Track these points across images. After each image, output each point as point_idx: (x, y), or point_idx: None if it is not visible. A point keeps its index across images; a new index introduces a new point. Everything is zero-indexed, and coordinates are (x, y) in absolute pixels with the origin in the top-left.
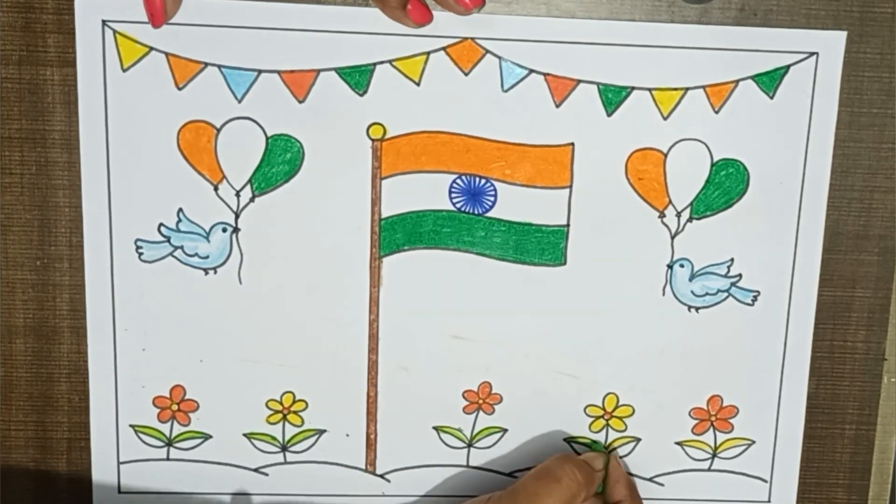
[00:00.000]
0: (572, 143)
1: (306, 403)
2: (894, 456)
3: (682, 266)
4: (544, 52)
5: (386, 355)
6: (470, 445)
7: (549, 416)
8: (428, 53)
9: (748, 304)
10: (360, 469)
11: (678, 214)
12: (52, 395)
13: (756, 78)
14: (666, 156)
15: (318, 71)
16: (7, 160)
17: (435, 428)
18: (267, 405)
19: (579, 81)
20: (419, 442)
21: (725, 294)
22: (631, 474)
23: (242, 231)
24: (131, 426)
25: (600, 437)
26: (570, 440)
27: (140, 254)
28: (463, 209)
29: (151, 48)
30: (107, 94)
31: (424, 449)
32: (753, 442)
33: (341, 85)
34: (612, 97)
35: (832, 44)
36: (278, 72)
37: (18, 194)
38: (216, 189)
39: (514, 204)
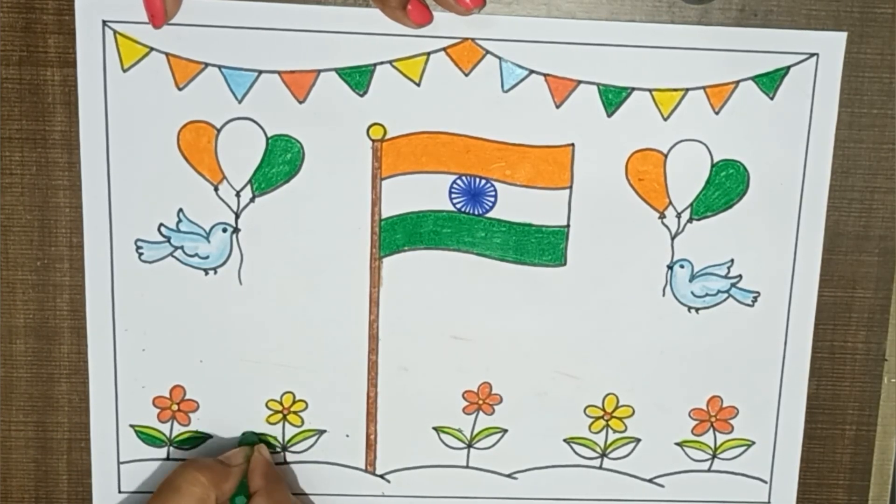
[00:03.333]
0: (572, 144)
1: (306, 404)
2: (895, 457)
3: (682, 267)
4: (544, 52)
5: (386, 355)
6: (470, 446)
7: (549, 416)
8: (428, 54)
9: (748, 305)
10: (360, 469)
11: (678, 215)
12: (52, 395)
13: (756, 79)
14: (666, 156)
15: (319, 71)
16: (7, 161)
17: (435, 428)
18: (267, 405)
19: (579, 82)
20: (419, 442)
21: (725, 295)
22: (630, 475)
23: (242, 231)
24: (131, 426)
25: (600, 438)
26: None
27: (140, 254)
28: (463, 210)
29: (152, 48)
30: (107, 94)
31: (424, 449)
32: (753, 443)
33: (341, 85)
34: (613, 98)
35: (832, 45)
36: (278, 72)
37: (19, 195)
38: (216, 189)
39: (514, 204)
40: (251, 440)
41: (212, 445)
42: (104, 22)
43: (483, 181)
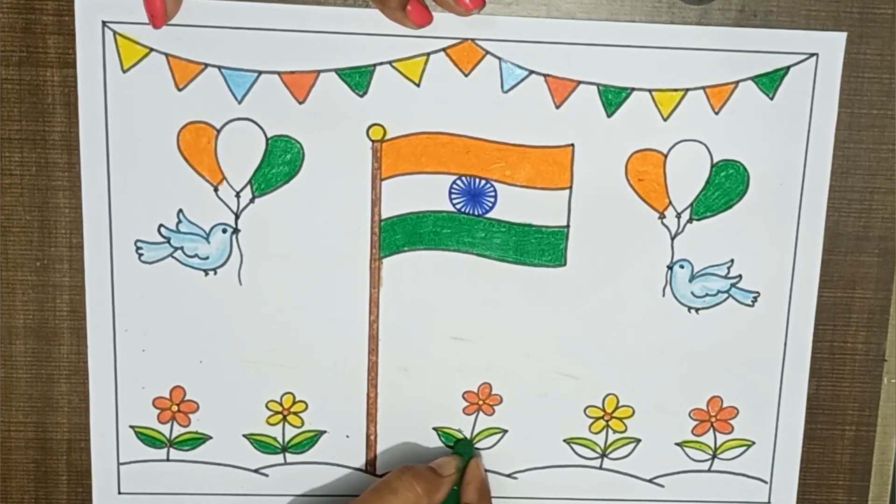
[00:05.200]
0: (572, 144)
1: (306, 404)
2: (894, 457)
3: (682, 267)
4: (544, 52)
5: (386, 356)
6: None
7: (549, 416)
8: (428, 54)
9: (748, 305)
10: (360, 470)
11: (678, 215)
12: (52, 395)
13: (756, 79)
14: (666, 157)
15: (319, 72)
16: (7, 161)
17: (435, 429)
18: (267, 406)
19: (579, 82)
20: (419, 443)
21: (725, 295)
22: (630, 475)
23: (242, 232)
24: (131, 427)
25: (600, 438)
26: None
27: (140, 255)
28: (463, 210)
29: (152, 49)
30: (107, 95)
31: (424, 450)
32: (753, 443)
33: (341, 86)
34: (612, 98)
35: (832, 45)
36: (278, 73)
37: (18, 195)
38: (216, 190)
39: (514, 205)
40: (467, 451)
41: (212, 446)
42: (104, 22)
43: (483, 181)
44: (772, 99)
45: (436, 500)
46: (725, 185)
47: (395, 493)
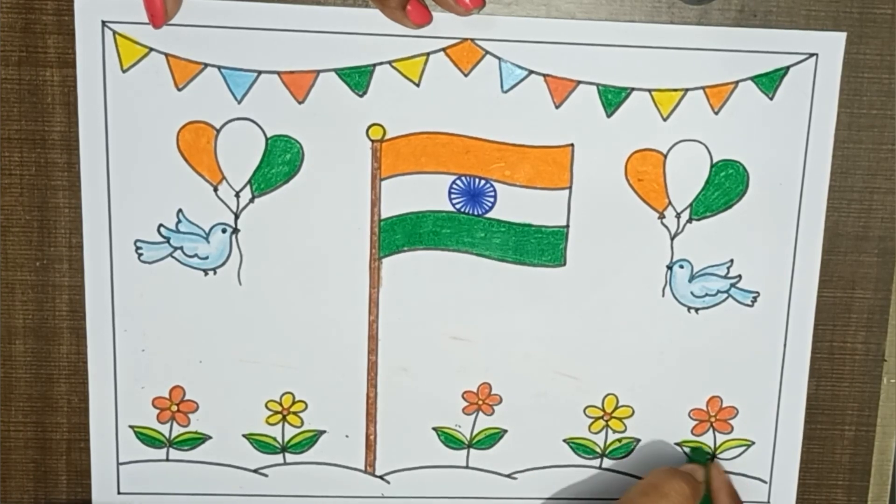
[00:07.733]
0: (572, 144)
1: (306, 404)
2: (894, 457)
3: (681, 267)
4: (544, 52)
5: (385, 356)
6: (469, 446)
7: (548, 416)
8: (428, 54)
9: (748, 305)
10: (360, 470)
11: (678, 215)
12: (51, 395)
13: (756, 79)
14: (666, 157)
15: (318, 72)
16: (7, 161)
17: (434, 429)
18: (266, 406)
19: (579, 82)
20: (419, 443)
21: (725, 295)
22: (630, 475)
23: (242, 232)
24: (131, 427)
25: (599, 439)
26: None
27: (140, 255)
28: (462, 210)
29: (151, 49)
30: (106, 94)
31: (424, 450)
32: (753, 443)
33: (341, 86)
34: (612, 98)
35: (832, 45)
36: (278, 73)
37: (18, 195)
38: (216, 190)
39: (513, 205)
40: (703, 458)
41: (211, 446)
42: (103, 22)
43: (482, 181)
44: (771, 99)
45: None
46: (725, 185)
47: (666, 496)
